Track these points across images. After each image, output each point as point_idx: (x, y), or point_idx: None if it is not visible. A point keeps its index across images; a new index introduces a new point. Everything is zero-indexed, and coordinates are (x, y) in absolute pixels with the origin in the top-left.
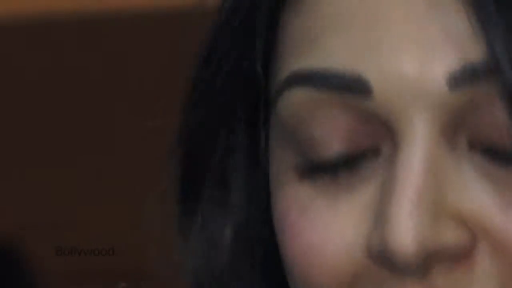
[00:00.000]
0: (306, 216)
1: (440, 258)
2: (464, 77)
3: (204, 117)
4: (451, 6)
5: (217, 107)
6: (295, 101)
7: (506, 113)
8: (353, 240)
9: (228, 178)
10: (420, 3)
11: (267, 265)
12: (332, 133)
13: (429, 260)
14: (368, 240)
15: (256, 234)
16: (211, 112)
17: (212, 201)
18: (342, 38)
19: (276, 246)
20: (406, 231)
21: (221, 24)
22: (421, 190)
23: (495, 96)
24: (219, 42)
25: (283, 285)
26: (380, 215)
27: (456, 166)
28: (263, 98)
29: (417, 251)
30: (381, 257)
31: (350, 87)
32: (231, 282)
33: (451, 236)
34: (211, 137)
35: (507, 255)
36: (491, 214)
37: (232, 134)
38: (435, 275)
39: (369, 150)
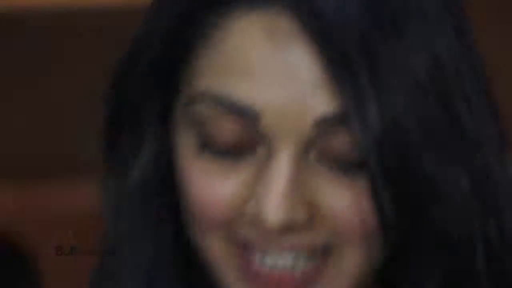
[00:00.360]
0: (204, 181)
1: (293, 227)
2: (324, 122)
3: (129, 94)
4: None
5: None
6: (204, 110)
7: (350, 144)
8: (233, 201)
9: (142, 145)
10: (299, 62)
11: (161, 212)
12: (224, 135)
13: (285, 228)
14: (244, 204)
15: (155, 190)
16: (135, 94)
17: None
18: (246, 78)
19: (168, 201)
20: (276, 211)
21: (149, 30)
22: (286, 186)
23: (341, 130)
24: (148, 44)
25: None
26: (259, 195)
27: (309, 172)
28: (175, 93)
29: (279, 224)
30: (254, 219)
31: (246, 113)
32: (133, 216)
33: (301, 217)
34: (133, 111)
35: (331, 226)
36: (328, 203)
37: (148, 115)
38: (288, 236)
39: (248, 149)
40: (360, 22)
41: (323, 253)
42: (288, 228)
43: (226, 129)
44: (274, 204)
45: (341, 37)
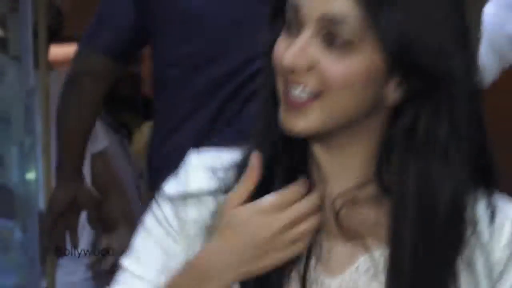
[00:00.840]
0: (277, 46)
1: (297, 70)
2: (331, 18)
3: None
4: None
5: None
6: (287, 12)
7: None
8: (282, 56)
9: None
10: None
11: None
12: (289, 20)
13: (290, 69)
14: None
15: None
16: None
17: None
18: None
19: None
20: (287, 58)
21: None
22: (299, 47)
23: (341, 24)
24: None
25: None
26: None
27: (318, 44)
28: None
29: (286, 65)
30: (282, 67)
31: (297, 9)
32: None
33: (303, 64)
34: None
35: (323, 77)
36: (324, 63)
37: None
38: (296, 76)
39: (296, 30)
40: None
41: (317, 94)
42: (292, 70)
43: (291, 17)
44: (288, 54)
45: None
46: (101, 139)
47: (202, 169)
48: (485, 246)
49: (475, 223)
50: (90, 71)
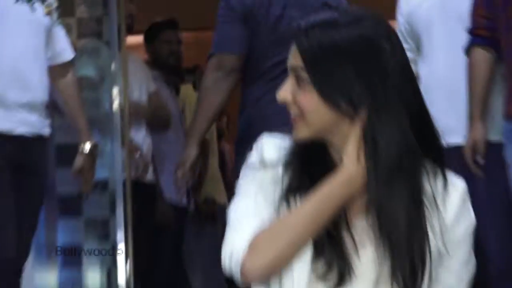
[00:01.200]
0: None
1: (287, 102)
2: (297, 68)
3: None
4: None
5: None
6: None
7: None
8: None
9: None
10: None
11: None
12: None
13: (284, 101)
14: None
15: None
16: None
17: None
18: None
19: None
20: (279, 95)
21: None
22: (284, 87)
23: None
24: None
25: None
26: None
27: (293, 85)
28: None
29: (280, 99)
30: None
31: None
32: None
33: (289, 98)
34: None
35: (300, 105)
36: (300, 97)
37: None
38: (288, 105)
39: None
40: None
41: (300, 115)
42: (285, 102)
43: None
44: (278, 93)
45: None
46: (153, 83)
47: (272, 145)
48: (441, 213)
49: (434, 194)
50: (232, 67)
